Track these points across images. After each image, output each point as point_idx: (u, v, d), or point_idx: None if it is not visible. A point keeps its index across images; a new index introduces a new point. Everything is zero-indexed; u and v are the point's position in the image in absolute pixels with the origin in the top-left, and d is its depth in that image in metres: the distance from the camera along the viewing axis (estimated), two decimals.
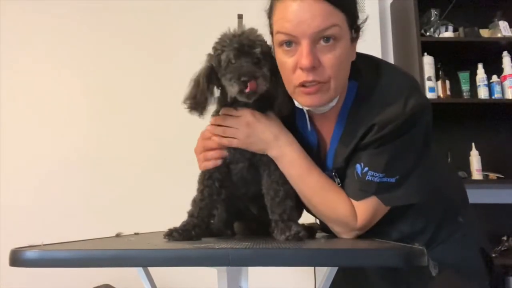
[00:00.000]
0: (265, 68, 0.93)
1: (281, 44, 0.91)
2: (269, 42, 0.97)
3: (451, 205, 1.09)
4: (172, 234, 0.89)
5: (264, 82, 0.91)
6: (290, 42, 0.89)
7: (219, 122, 1.00)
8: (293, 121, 1.05)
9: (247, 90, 0.88)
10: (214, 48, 0.96)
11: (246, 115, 0.97)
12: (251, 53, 0.91)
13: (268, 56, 0.95)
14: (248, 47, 0.91)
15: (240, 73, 0.89)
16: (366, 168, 0.94)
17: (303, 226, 0.96)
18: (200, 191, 0.98)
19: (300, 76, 0.90)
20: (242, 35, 0.93)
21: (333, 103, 0.97)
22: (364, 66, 0.99)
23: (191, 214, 0.95)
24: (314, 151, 1.03)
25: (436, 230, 1.06)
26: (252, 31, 0.95)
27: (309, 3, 0.86)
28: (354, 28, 0.94)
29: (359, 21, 0.95)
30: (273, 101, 0.98)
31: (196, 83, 0.97)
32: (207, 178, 0.98)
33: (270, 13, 0.95)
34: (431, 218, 1.06)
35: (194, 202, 0.97)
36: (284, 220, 0.91)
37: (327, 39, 0.87)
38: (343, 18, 0.89)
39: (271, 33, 0.96)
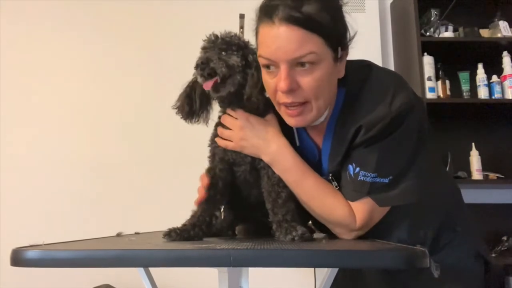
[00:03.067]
0: (229, 55, 0.94)
1: (263, 65, 0.93)
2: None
3: (449, 215, 1.09)
4: (170, 234, 0.89)
5: (223, 62, 0.92)
6: (270, 66, 0.91)
7: (222, 122, 1.03)
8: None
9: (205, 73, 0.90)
10: None
11: (241, 119, 0.99)
12: (215, 46, 0.94)
13: (236, 44, 0.96)
14: (212, 42, 0.94)
15: (197, 60, 0.92)
16: (357, 168, 0.94)
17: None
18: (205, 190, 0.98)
19: (281, 98, 0.93)
20: (213, 36, 0.96)
21: (323, 118, 0.99)
22: (352, 72, 0.99)
23: (194, 214, 0.95)
24: (314, 162, 1.03)
25: (435, 239, 1.06)
26: (225, 32, 0.98)
27: (285, 30, 0.87)
28: (341, 46, 0.93)
29: (348, 38, 0.95)
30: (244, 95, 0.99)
31: (181, 92, 1.02)
32: (212, 178, 0.99)
33: (256, 34, 0.97)
34: (430, 227, 1.06)
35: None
36: (287, 221, 0.91)
37: (304, 64, 0.89)
38: (321, 42, 0.88)
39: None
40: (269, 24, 0.89)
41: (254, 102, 0.95)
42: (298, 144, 1.05)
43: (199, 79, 0.93)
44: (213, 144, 1.04)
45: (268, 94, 0.97)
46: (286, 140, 0.99)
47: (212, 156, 1.03)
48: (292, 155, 0.98)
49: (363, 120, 0.93)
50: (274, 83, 0.92)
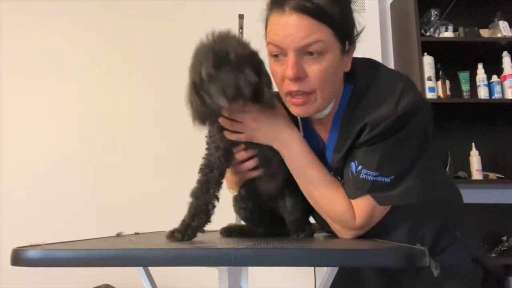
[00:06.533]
0: (246, 70, 0.90)
1: (271, 54, 0.95)
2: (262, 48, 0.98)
3: (449, 219, 1.09)
4: (174, 235, 0.88)
5: (248, 85, 0.89)
6: (278, 54, 0.93)
7: (228, 115, 0.99)
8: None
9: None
10: (193, 61, 0.94)
11: (253, 110, 0.98)
12: (228, 60, 0.89)
13: (247, 56, 0.92)
14: (225, 55, 0.89)
15: (223, 86, 0.87)
16: (360, 166, 0.95)
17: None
18: (198, 180, 0.97)
19: (287, 86, 0.94)
20: (215, 43, 0.91)
21: (327, 111, 1.00)
22: (360, 69, 1.00)
23: (190, 206, 0.94)
24: (318, 156, 1.04)
25: (434, 242, 1.06)
26: (226, 35, 0.93)
27: (295, 18, 0.89)
28: (348, 40, 0.95)
29: (355, 32, 0.97)
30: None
31: (191, 103, 0.96)
32: (205, 167, 0.98)
33: (266, 23, 0.98)
34: (429, 230, 1.06)
35: (193, 192, 0.95)
36: (297, 220, 0.94)
37: (311, 53, 0.90)
38: (329, 32, 0.90)
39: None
40: (279, 12, 0.91)
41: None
42: (303, 134, 1.05)
43: (220, 100, 0.88)
44: (216, 135, 1.00)
45: (275, 83, 0.98)
46: (296, 128, 1.01)
47: (216, 147, 1.00)
48: (302, 144, 0.99)
49: (368, 118, 0.93)
50: (282, 71, 0.93)
